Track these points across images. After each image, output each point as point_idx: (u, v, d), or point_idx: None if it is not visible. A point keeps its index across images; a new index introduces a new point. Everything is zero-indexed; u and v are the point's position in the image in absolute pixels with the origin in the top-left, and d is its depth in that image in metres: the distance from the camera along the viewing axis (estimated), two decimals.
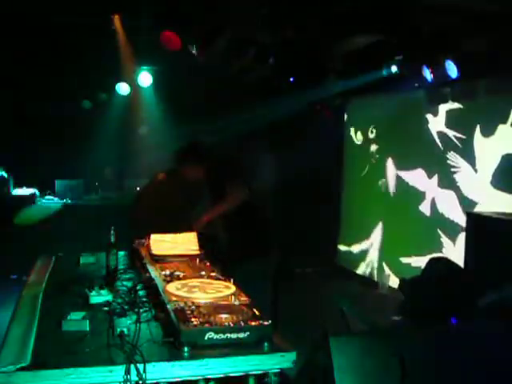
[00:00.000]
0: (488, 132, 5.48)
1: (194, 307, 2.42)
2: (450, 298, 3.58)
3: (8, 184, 7.16)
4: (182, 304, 2.46)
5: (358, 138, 7.79)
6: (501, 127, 5.33)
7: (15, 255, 6.31)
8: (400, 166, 6.96)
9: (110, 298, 2.82)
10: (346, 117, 8.07)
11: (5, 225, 6.53)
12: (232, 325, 2.27)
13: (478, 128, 5.63)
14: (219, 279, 2.98)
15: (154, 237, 3.74)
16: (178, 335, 2.20)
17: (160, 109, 7.96)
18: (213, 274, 3.10)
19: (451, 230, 5.95)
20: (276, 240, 4.83)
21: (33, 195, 7.29)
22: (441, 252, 6.06)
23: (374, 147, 7.44)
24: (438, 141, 6.23)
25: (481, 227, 4.24)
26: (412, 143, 6.73)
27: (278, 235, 5.30)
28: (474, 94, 5.31)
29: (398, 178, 6.92)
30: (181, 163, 4.74)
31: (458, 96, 5.62)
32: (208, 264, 3.38)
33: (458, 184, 5.94)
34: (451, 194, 6.04)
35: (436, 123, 6.25)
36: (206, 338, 2.21)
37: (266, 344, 2.27)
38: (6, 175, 7.38)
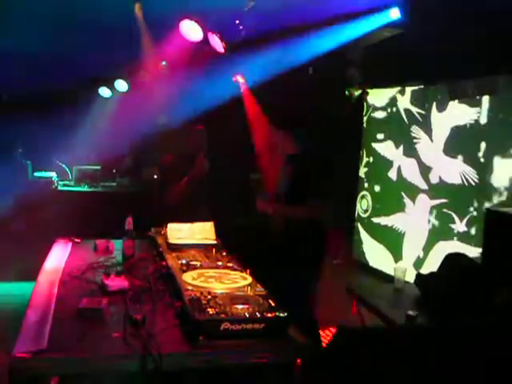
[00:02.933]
0: (441, 108, 6.41)
1: (210, 297, 2.42)
2: (466, 294, 3.55)
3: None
4: (198, 294, 2.47)
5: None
6: (451, 103, 6.20)
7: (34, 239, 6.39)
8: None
9: (125, 285, 2.83)
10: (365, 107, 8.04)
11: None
12: (248, 316, 2.27)
13: (434, 105, 6.53)
14: (236, 269, 2.98)
15: (170, 225, 3.74)
16: (194, 325, 2.20)
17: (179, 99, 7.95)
18: (229, 265, 3.10)
19: (411, 192, 6.91)
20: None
21: (51, 179, 7.31)
22: (404, 212, 7.05)
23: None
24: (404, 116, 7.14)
25: (499, 223, 4.19)
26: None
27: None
28: (496, 89, 5.25)
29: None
30: (278, 126, 4.17)
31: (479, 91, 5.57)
32: (224, 254, 3.38)
33: (418, 152, 6.82)
34: (413, 161, 6.92)
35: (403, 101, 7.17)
36: (221, 328, 2.21)
37: (281, 336, 2.27)
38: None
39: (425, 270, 5.17)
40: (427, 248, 6.54)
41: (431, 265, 6.08)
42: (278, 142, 4.17)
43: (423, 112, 6.75)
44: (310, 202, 3.84)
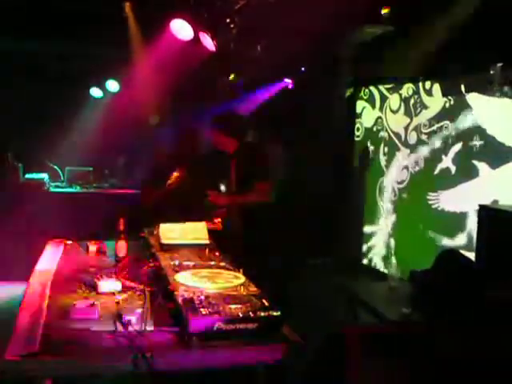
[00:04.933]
0: None
1: (203, 297, 2.41)
2: (460, 291, 3.55)
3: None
4: (191, 294, 2.45)
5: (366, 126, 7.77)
6: None
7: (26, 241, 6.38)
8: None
9: (118, 286, 2.81)
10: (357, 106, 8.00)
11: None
12: (241, 315, 2.25)
13: None
14: (229, 269, 2.97)
15: (163, 226, 3.73)
16: (187, 325, 2.19)
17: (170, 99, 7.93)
18: (222, 264, 3.09)
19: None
20: (285, 231, 4.79)
21: (43, 180, 7.28)
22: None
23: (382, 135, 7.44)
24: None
25: (493, 220, 4.19)
26: None
27: (287, 226, 5.26)
28: (489, 85, 5.24)
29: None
30: (214, 129, 4.62)
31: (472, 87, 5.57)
32: (217, 254, 3.37)
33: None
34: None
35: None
36: (214, 328, 2.19)
37: (274, 335, 2.26)
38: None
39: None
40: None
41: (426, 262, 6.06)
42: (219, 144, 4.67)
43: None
44: (256, 185, 4.35)
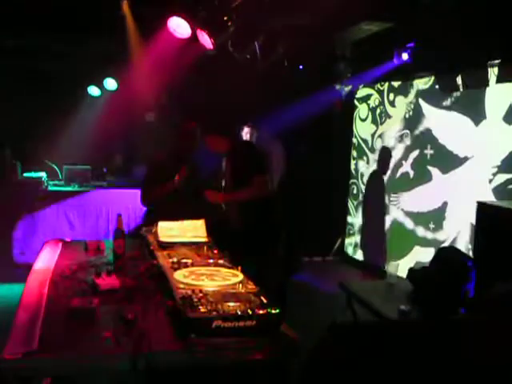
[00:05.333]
0: None
1: (201, 295, 2.41)
2: (459, 288, 3.55)
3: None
4: (189, 292, 2.45)
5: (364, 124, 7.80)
6: None
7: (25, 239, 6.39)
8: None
9: (117, 284, 2.81)
10: (355, 105, 8.00)
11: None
12: (239, 313, 2.26)
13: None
14: (227, 267, 2.97)
15: (161, 224, 3.72)
16: (186, 323, 2.19)
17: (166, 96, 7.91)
18: (220, 262, 3.09)
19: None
20: (285, 229, 4.77)
21: (41, 179, 7.27)
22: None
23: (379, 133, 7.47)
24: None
25: (491, 217, 4.20)
26: None
27: (286, 224, 5.26)
28: (486, 81, 5.22)
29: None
30: (207, 131, 4.60)
31: (470, 84, 5.54)
32: (216, 252, 3.37)
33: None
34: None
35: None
36: (213, 326, 2.19)
37: (273, 333, 2.26)
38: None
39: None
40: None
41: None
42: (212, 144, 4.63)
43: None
44: (254, 178, 4.31)
